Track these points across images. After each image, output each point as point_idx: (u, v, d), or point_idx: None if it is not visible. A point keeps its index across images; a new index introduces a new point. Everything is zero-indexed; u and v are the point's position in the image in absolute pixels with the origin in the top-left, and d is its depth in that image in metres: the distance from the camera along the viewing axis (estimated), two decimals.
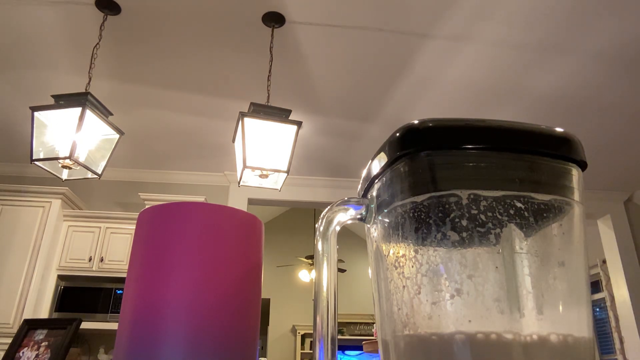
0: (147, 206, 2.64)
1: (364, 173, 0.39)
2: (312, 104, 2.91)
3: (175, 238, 0.29)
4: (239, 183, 2.14)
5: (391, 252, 0.35)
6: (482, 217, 0.30)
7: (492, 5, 2.12)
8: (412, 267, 0.32)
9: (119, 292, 3.24)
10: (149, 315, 0.28)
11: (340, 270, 6.91)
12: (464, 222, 0.30)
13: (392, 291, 0.34)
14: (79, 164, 1.89)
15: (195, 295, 0.28)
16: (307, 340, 7.05)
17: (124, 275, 3.35)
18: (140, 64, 2.52)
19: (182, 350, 0.27)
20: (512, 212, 0.31)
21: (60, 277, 3.27)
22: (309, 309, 7.06)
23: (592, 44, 2.33)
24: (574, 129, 3.03)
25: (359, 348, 6.61)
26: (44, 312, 3.15)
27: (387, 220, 0.35)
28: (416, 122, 0.33)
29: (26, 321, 1.63)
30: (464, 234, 0.30)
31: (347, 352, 6.91)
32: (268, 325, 7.07)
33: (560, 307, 0.31)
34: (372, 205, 0.37)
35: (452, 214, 0.31)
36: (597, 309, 4.66)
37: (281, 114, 2.10)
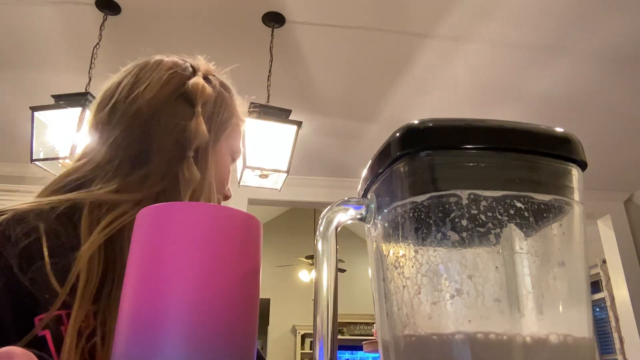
0: None
1: (364, 173, 0.39)
2: (312, 104, 2.91)
3: (172, 238, 0.29)
4: (239, 183, 2.14)
5: (391, 252, 0.35)
6: (482, 217, 0.30)
7: (492, 5, 2.12)
8: (412, 267, 0.32)
9: None
10: (146, 316, 0.28)
11: (340, 270, 6.91)
12: (464, 222, 0.30)
13: (392, 291, 0.34)
14: None
15: (193, 295, 0.28)
16: (307, 340, 7.04)
17: None
18: None
19: (179, 351, 0.27)
20: (512, 212, 0.31)
21: None
22: (309, 309, 7.06)
23: (592, 43, 2.33)
24: (573, 129, 3.01)
25: (359, 348, 6.60)
26: None
27: (387, 220, 0.35)
28: (416, 122, 0.33)
29: None
30: (464, 234, 0.30)
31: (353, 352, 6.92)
32: (268, 325, 7.07)
33: (560, 307, 0.31)
34: (372, 205, 0.37)
35: (452, 214, 0.31)
36: (597, 309, 4.66)
37: (281, 114, 2.10)
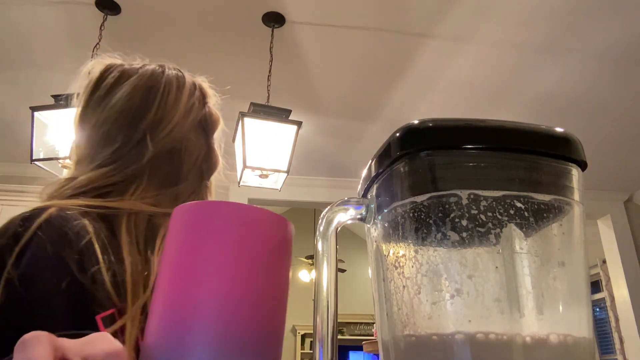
0: None
1: (364, 173, 0.39)
2: (312, 104, 2.91)
3: (207, 236, 0.30)
4: (239, 183, 2.14)
5: (391, 252, 0.35)
6: (482, 217, 0.30)
7: (492, 5, 2.12)
8: (412, 267, 0.32)
9: None
10: (179, 312, 0.28)
11: (340, 270, 6.91)
12: (464, 222, 0.30)
13: (392, 291, 0.34)
14: None
15: (225, 293, 0.29)
16: (307, 340, 7.04)
17: None
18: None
19: (211, 347, 0.27)
20: (512, 212, 0.31)
21: None
22: (309, 309, 7.06)
23: (592, 43, 2.33)
24: (574, 129, 3.00)
25: (359, 348, 6.61)
26: None
27: (387, 220, 0.35)
28: (416, 122, 0.33)
29: None
30: (464, 234, 0.30)
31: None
32: None
33: (560, 307, 0.31)
34: (372, 205, 0.37)
35: (452, 214, 0.31)
36: (597, 309, 4.66)
37: (281, 114, 2.10)
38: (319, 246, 0.35)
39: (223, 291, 0.28)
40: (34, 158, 1.92)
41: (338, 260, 0.36)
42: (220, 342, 0.27)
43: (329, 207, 0.36)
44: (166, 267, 0.30)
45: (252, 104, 2.08)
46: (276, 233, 0.31)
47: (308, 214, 7.24)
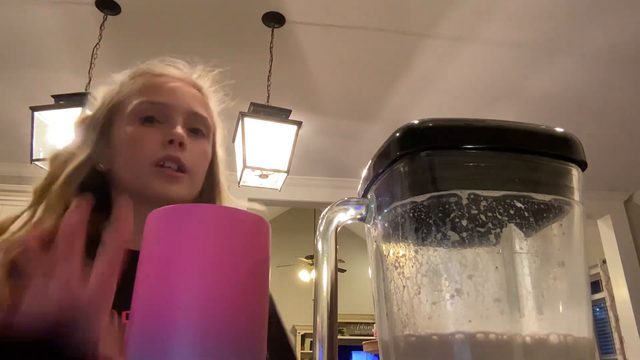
0: None
1: (364, 173, 0.39)
2: (312, 104, 2.91)
3: (183, 240, 0.29)
4: (238, 183, 2.14)
5: (391, 252, 0.35)
6: (482, 217, 0.30)
7: (492, 5, 2.12)
8: (412, 267, 0.32)
9: None
10: (158, 316, 0.28)
11: (340, 270, 6.90)
12: (464, 222, 0.30)
13: (392, 291, 0.34)
14: None
15: (204, 297, 0.28)
16: (307, 340, 7.03)
17: None
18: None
19: (191, 349, 0.27)
20: (512, 212, 0.31)
21: None
22: (309, 309, 7.05)
23: (592, 43, 2.33)
24: (573, 129, 3.00)
25: (359, 348, 6.61)
26: None
27: (387, 220, 0.35)
28: (416, 122, 0.33)
29: None
30: (464, 234, 0.30)
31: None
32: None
33: (560, 307, 0.31)
34: (372, 205, 0.37)
35: (452, 214, 0.31)
36: (597, 309, 4.66)
37: (281, 114, 2.10)
38: (319, 246, 0.35)
39: (202, 294, 0.28)
40: (34, 158, 1.92)
41: (338, 260, 0.36)
42: (202, 344, 0.27)
43: (329, 207, 0.36)
44: (143, 273, 0.30)
45: (252, 104, 2.08)
46: (253, 234, 0.31)
47: (308, 214, 7.24)
